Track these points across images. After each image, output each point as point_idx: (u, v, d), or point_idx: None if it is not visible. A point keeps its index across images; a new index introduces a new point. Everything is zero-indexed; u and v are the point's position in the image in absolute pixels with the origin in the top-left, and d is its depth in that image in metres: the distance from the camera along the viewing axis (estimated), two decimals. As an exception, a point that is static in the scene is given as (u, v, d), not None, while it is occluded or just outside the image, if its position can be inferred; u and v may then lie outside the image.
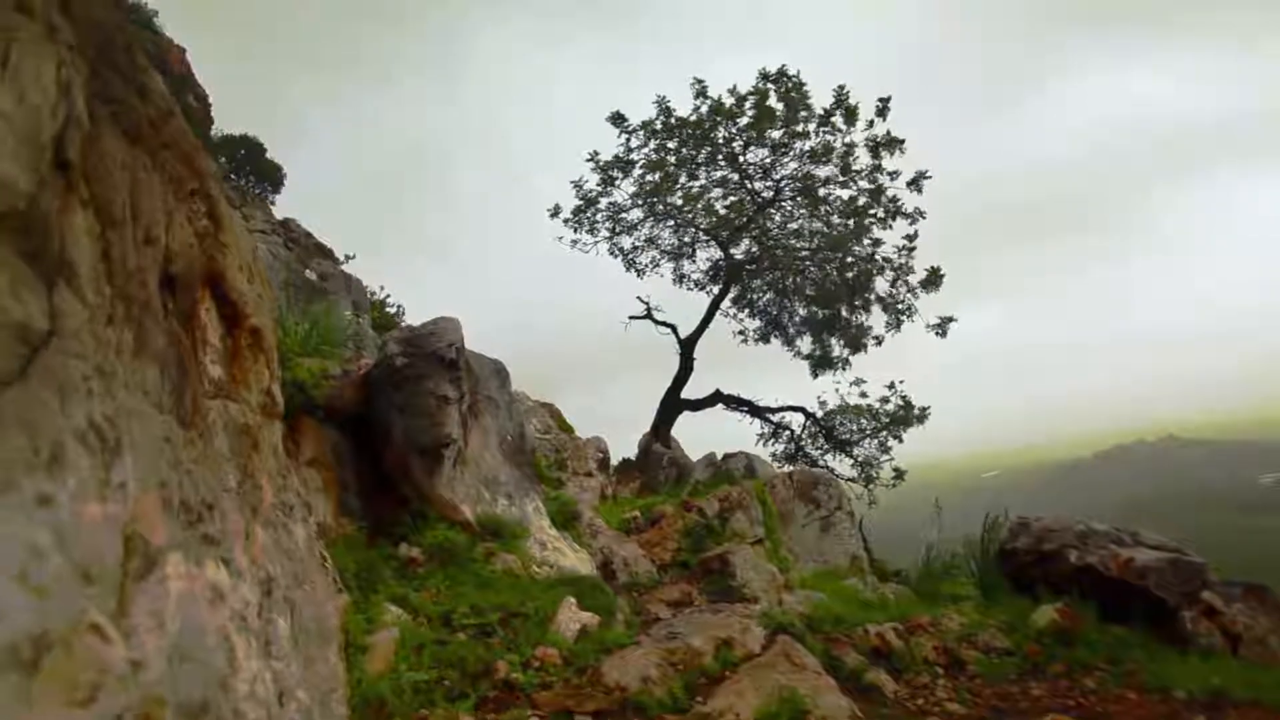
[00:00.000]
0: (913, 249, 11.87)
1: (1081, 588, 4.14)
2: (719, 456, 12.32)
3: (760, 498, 6.25)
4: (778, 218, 13.25)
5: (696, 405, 14.01)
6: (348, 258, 9.87)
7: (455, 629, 3.50)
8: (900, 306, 12.19)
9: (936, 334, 12.22)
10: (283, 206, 11.98)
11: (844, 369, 13.10)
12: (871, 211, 12.16)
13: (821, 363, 13.46)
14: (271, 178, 14.05)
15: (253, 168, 13.20)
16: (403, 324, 11.07)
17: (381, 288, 10.64)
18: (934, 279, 11.89)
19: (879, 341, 12.80)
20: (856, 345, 12.80)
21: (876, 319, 12.69)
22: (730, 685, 3.18)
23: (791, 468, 15.01)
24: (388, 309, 10.57)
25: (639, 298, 13.45)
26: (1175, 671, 3.42)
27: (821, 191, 12.49)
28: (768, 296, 13.92)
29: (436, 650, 3.25)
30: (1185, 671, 3.40)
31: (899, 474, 14.31)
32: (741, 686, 3.14)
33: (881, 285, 12.22)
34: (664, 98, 12.84)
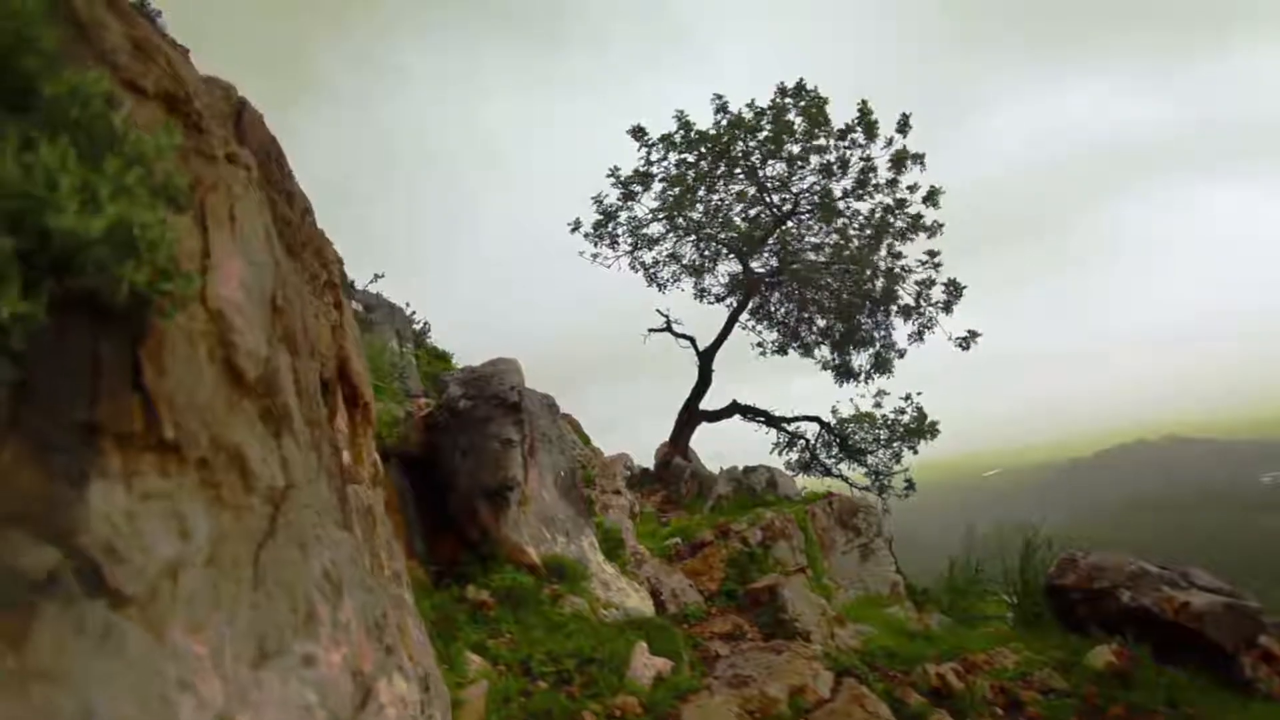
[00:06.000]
0: (938, 265, 11.98)
1: (1134, 628, 4.23)
2: (739, 469, 12.43)
3: (801, 525, 6.35)
4: (796, 230, 13.36)
5: (714, 416, 14.14)
6: (377, 276, 9.93)
7: (535, 677, 3.58)
8: (923, 319, 12.30)
9: (960, 347, 12.32)
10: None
11: (867, 381, 13.25)
12: (890, 226, 12.26)
13: (842, 372, 13.60)
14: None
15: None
16: (429, 340, 11.16)
17: (407, 304, 10.69)
18: (955, 292, 11.99)
19: (901, 354, 12.93)
20: (884, 368, 12.93)
21: (899, 333, 12.82)
22: (810, 736, 3.28)
23: (804, 474, 15.21)
24: (413, 325, 10.63)
25: (659, 310, 13.56)
26: (1238, 719, 3.51)
27: (840, 204, 12.59)
28: (785, 308, 14.04)
29: (523, 702, 3.34)
30: (1248, 719, 3.50)
31: (910, 484, 14.49)
32: (822, 738, 3.23)
33: (904, 298, 12.32)
34: (682, 112, 12.95)
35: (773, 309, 13.90)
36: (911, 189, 12.29)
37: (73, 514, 0.78)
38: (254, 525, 1.21)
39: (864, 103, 11.81)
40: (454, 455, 4.46)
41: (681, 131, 12.68)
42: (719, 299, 13.80)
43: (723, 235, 12.96)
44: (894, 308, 12.37)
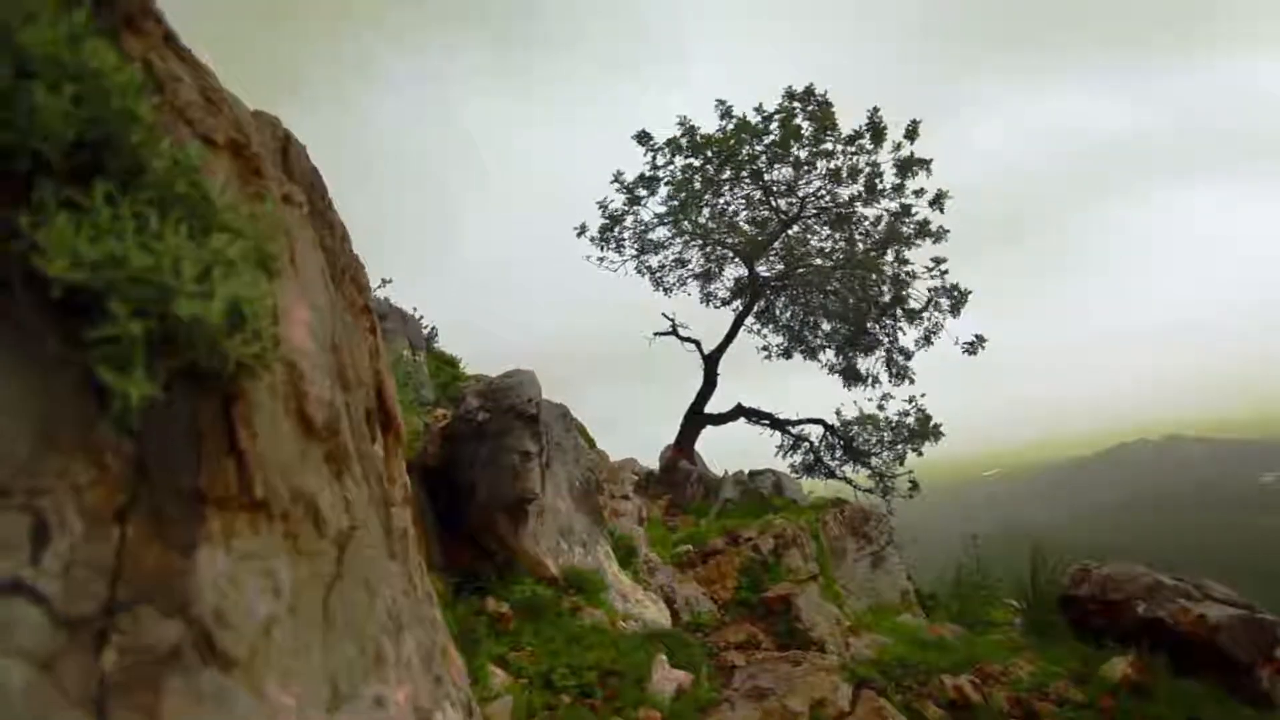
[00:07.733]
0: (945, 270, 12.03)
1: (1149, 640, 4.25)
2: (745, 473, 12.46)
3: (813, 533, 6.37)
4: (801, 234, 13.40)
5: (719, 420, 14.17)
6: (384, 282, 9.94)
7: (557, 690, 3.60)
8: (930, 324, 12.36)
9: (967, 353, 12.37)
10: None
11: (875, 386, 13.31)
12: (897, 231, 12.30)
13: (849, 376, 13.66)
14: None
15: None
16: (436, 344, 11.17)
17: (415, 309, 10.71)
18: (961, 298, 12.04)
19: (909, 357, 12.99)
20: (901, 374, 12.99)
21: (906, 338, 12.89)
22: (832, 750, 3.30)
23: (808, 477, 15.26)
24: (423, 331, 10.64)
25: (664, 314, 13.60)
26: (1256, 732, 3.54)
27: (846, 210, 12.63)
28: (791, 312, 14.08)
29: (547, 716, 3.36)
30: (1266, 733, 3.52)
31: (915, 486, 14.55)
32: (844, 752, 3.26)
33: (911, 303, 12.38)
34: (686, 117, 12.97)
35: (778, 313, 13.94)
36: (918, 194, 12.35)
37: (186, 584, 0.80)
38: (324, 570, 1.23)
39: (875, 109, 11.85)
40: (472, 467, 4.49)
41: (687, 136, 12.71)
42: (725, 303, 13.84)
43: (729, 240, 12.99)
44: (900, 312, 12.42)
